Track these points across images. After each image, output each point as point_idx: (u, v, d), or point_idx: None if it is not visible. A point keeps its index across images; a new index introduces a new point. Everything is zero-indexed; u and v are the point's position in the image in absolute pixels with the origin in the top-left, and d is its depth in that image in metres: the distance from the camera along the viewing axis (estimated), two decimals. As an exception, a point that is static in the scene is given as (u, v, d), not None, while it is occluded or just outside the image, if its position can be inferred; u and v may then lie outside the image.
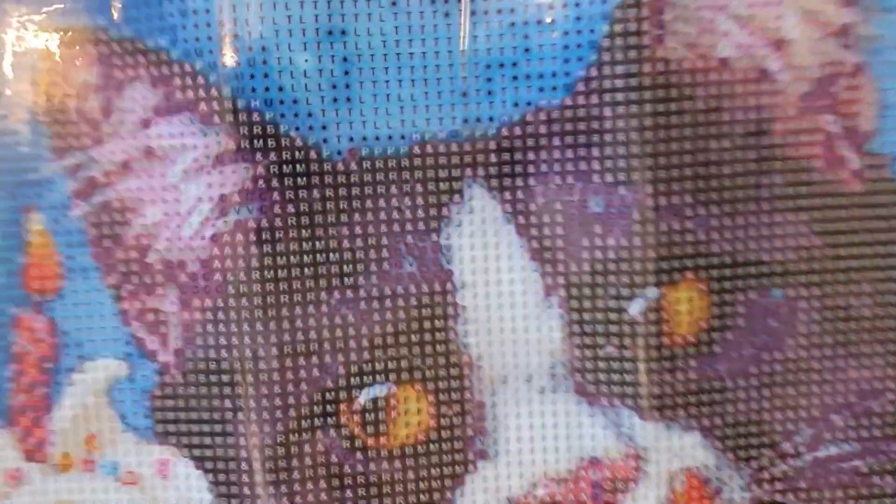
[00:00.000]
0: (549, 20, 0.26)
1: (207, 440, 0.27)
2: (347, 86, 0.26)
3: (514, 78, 0.26)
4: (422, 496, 0.27)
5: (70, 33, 0.27)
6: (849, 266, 0.28)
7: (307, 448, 0.27)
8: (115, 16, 0.26)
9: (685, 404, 0.27)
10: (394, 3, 0.25)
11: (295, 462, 0.27)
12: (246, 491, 0.27)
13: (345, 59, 0.26)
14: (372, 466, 0.27)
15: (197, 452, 0.27)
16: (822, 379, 0.28)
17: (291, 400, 0.27)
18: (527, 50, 0.26)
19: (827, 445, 0.28)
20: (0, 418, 0.28)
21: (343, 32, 0.26)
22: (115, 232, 0.27)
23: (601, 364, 0.27)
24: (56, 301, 0.28)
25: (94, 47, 0.26)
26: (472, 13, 0.26)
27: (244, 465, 0.27)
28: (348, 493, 0.27)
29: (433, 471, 0.27)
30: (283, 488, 0.27)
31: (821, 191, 0.28)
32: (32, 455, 0.28)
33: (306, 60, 0.26)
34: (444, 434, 0.27)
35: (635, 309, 0.27)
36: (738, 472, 0.28)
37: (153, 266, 0.26)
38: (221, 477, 0.27)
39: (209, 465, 0.27)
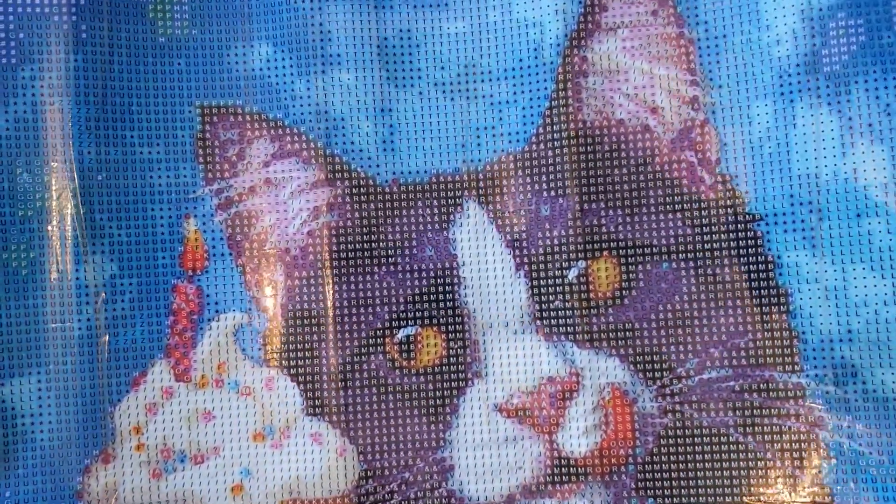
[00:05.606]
0: (513, 101, 0.37)
1: (300, 363, 0.35)
2: (392, 142, 0.36)
3: (493, 135, 0.36)
4: (437, 401, 0.35)
5: (220, 109, 0.36)
6: (711, 246, 0.34)
7: (364, 367, 0.35)
8: (248, 98, 0.37)
9: (607, 338, 0.34)
10: (420, 94, 0.36)
11: (356, 376, 0.35)
12: (325, 396, 0.35)
13: (391, 126, 0.36)
14: (405, 380, 0.35)
15: (293, 371, 0.35)
16: (701, 323, 0.34)
17: (354, 335, 0.35)
18: (500, 119, 0.36)
19: (709, 370, 0.33)
20: (160, 352, 0.35)
21: (390, 110, 0.37)
22: (244, 231, 0.36)
23: (552, 313, 0.35)
24: (203, 274, 0.36)
25: (233, 117, 0.37)
26: (467, 98, 0.36)
27: (325, 379, 0.35)
28: (389, 397, 0.35)
29: (444, 384, 0.35)
30: (349, 393, 0.35)
31: (688, 199, 0.34)
32: (180, 377, 0.35)
33: (367, 126, 0.36)
34: (451, 360, 0.35)
35: (572, 275, 0.34)
36: (647, 388, 0.33)
37: (268, 252, 0.36)
38: (309, 387, 0.35)
39: (301, 379, 0.35)
